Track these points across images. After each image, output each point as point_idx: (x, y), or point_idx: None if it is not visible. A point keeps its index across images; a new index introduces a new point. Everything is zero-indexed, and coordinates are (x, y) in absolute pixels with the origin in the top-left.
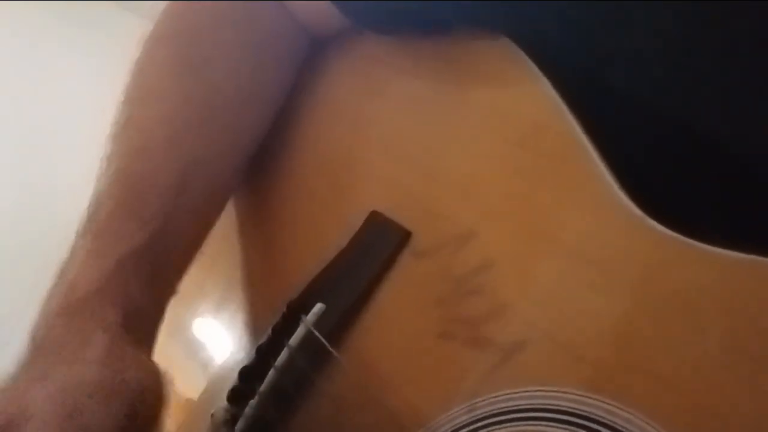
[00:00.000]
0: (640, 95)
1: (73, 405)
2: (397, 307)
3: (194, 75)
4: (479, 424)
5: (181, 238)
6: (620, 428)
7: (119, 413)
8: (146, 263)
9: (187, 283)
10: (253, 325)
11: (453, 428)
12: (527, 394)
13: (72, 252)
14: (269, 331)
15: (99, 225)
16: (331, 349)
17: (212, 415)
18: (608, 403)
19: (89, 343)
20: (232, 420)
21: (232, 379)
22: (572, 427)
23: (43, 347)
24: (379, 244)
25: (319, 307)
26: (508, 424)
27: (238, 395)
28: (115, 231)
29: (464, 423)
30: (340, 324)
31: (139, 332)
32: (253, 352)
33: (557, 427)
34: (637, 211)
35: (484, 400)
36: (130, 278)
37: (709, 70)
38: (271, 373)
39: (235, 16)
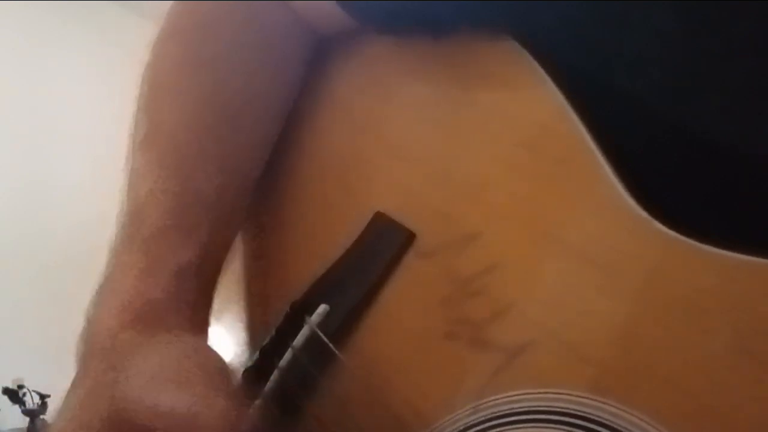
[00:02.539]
0: (640, 96)
1: None
2: (402, 307)
3: (205, 72)
4: (484, 425)
5: (220, 249)
6: (625, 431)
7: None
8: (197, 277)
9: None
10: (257, 326)
11: (457, 429)
12: (532, 395)
13: (114, 269)
14: (273, 332)
15: (147, 241)
16: (334, 350)
17: None
18: (613, 405)
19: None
20: None
21: (236, 380)
22: (577, 429)
23: (133, 369)
24: (383, 245)
25: (323, 307)
26: (513, 426)
27: None
28: (167, 246)
29: (469, 424)
30: (344, 325)
31: None
32: (257, 353)
33: (561, 429)
34: (643, 214)
35: (488, 402)
36: (189, 294)
37: (709, 70)
38: (275, 374)
39: (239, 16)
